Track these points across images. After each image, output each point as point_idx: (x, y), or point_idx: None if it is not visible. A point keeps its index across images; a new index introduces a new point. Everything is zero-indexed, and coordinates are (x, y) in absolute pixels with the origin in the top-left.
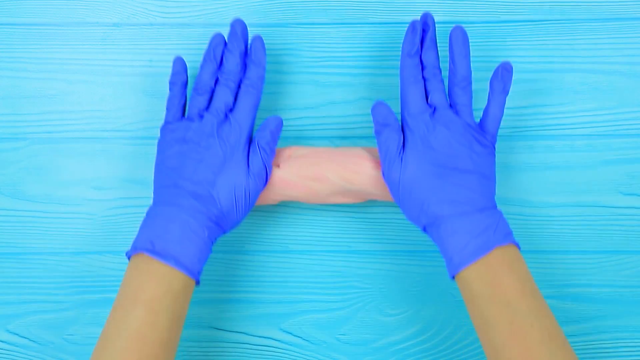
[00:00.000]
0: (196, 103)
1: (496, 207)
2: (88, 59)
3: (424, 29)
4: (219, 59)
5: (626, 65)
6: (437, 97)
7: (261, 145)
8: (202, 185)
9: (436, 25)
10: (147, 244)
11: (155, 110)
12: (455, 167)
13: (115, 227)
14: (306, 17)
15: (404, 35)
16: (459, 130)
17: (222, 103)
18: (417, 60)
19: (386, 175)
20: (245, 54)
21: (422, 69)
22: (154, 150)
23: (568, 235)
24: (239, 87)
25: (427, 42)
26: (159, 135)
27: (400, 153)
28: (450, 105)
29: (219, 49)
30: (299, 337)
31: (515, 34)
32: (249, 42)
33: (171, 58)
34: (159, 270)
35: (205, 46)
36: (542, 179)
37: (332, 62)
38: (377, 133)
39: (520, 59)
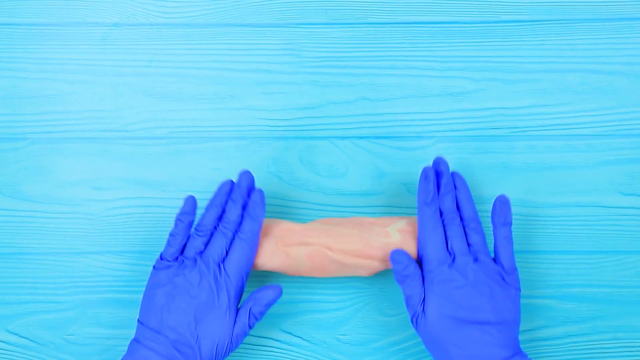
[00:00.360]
0: (195, 244)
1: (519, 350)
2: (88, 59)
3: (437, 173)
4: (223, 205)
5: (626, 65)
6: (457, 244)
7: (253, 313)
8: (185, 337)
9: (437, 25)
10: None
11: (154, 110)
12: (475, 320)
13: (115, 227)
14: (306, 17)
15: (418, 183)
16: (478, 279)
17: (216, 253)
18: (435, 207)
19: (411, 320)
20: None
21: (440, 213)
22: (154, 150)
23: (568, 235)
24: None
25: (444, 189)
26: (151, 268)
27: (421, 303)
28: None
29: (224, 197)
30: (299, 337)
31: (515, 34)
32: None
33: (172, 59)
34: None
35: (215, 188)
36: (542, 179)
37: (332, 62)
38: (399, 282)
39: (520, 59)
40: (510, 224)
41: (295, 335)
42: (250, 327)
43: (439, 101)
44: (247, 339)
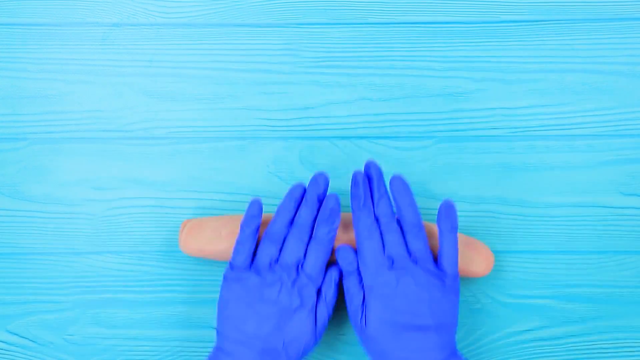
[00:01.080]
0: (268, 252)
1: (455, 351)
2: (88, 59)
3: (369, 177)
4: (294, 211)
5: (626, 65)
6: (394, 250)
7: (328, 300)
8: (271, 344)
9: (437, 25)
10: None
11: (154, 110)
12: (414, 325)
13: (115, 227)
14: (306, 17)
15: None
16: (417, 282)
17: (294, 258)
18: (368, 212)
19: (351, 320)
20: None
21: (377, 219)
22: (154, 150)
23: (568, 236)
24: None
25: (377, 194)
26: (222, 279)
27: (362, 305)
28: (408, 252)
29: (297, 201)
30: None
31: (515, 34)
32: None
33: (172, 59)
34: None
35: (286, 191)
36: (542, 179)
37: (332, 62)
38: (344, 278)
39: (520, 59)
40: (457, 229)
41: None
42: (329, 317)
43: (439, 101)
44: None
